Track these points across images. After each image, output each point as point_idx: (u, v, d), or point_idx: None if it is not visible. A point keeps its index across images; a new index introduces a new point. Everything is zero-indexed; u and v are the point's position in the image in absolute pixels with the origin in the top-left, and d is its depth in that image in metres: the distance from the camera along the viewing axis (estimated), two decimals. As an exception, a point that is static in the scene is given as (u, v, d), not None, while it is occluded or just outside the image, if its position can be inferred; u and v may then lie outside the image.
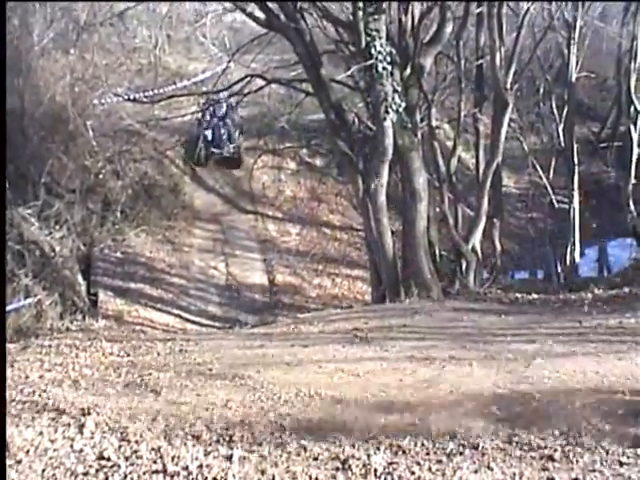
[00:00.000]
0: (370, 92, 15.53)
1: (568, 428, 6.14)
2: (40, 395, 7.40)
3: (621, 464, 5.46)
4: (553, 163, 23.91)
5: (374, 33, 14.56)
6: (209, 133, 25.28)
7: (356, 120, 17.11)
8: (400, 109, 15.07)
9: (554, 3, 21.79)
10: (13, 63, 22.91)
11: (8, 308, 17.49)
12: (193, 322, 19.88)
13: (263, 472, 5.60)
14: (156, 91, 25.13)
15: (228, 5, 20.76)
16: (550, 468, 5.45)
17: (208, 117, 25.41)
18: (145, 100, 23.81)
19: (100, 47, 25.68)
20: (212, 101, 23.98)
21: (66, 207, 20.65)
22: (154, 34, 28.33)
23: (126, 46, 28.24)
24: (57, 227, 20.06)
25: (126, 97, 23.29)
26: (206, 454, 5.92)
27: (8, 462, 5.81)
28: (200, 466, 5.69)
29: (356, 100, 20.62)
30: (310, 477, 5.47)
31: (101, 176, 22.96)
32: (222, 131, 25.29)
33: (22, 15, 24.04)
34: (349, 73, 16.79)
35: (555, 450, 5.71)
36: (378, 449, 5.92)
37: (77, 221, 20.65)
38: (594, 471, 5.39)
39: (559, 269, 22.76)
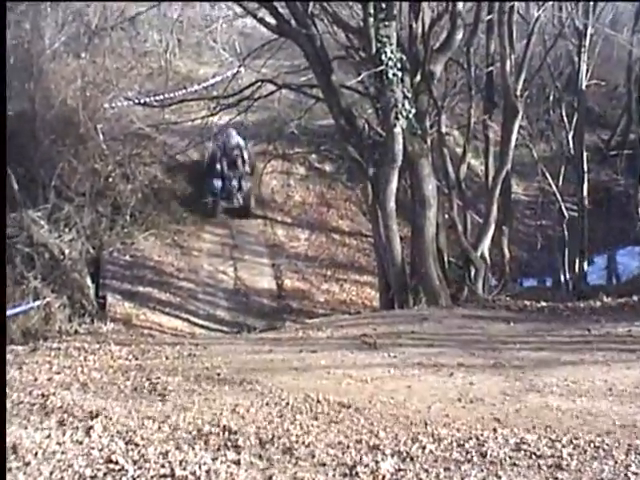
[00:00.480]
0: (380, 98, 15.54)
1: (577, 437, 6.13)
2: (48, 398, 7.42)
3: (630, 474, 5.45)
4: (562, 171, 23.83)
5: (384, 39, 14.58)
6: (218, 184, 23.85)
7: (366, 126, 17.12)
8: (410, 115, 15.08)
9: (564, 10, 21.77)
10: (24, 66, 22.99)
11: (17, 310, 17.55)
12: (201, 326, 19.88)
13: (270, 477, 5.60)
14: (166, 95, 25.13)
15: (239, 10, 20.78)
16: (559, 477, 5.44)
17: (219, 167, 23.90)
18: (155, 104, 23.85)
19: (111, 51, 25.75)
20: (220, 145, 23.91)
21: (76, 210, 20.68)
22: (165, 38, 28.39)
23: (137, 50, 28.30)
24: (66, 230, 20.09)
25: (136, 101, 23.32)
26: (214, 459, 5.93)
27: (16, 464, 5.84)
28: (208, 471, 5.70)
29: (366, 106, 20.64)
30: (318, 483, 5.48)
31: (111, 179, 23.01)
32: (233, 183, 23.88)
33: (33, 18, 24.12)
34: (359, 79, 16.82)
35: (564, 459, 5.70)
36: (385, 455, 5.92)
37: (86, 224, 20.68)
38: (602, 480, 5.39)
39: (568, 277, 22.68)
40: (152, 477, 5.63)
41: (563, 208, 22.73)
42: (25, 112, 22.34)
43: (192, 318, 20.44)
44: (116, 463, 5.85)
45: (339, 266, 23.54)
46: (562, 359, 9.05)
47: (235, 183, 23.91)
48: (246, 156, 24.45)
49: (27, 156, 21.38)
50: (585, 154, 23.21)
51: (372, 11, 14.82)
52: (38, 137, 21.79)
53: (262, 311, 20.86)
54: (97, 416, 6.85)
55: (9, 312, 17.23)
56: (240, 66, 21.28)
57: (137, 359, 9.72)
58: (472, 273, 17.70)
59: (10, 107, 22.55)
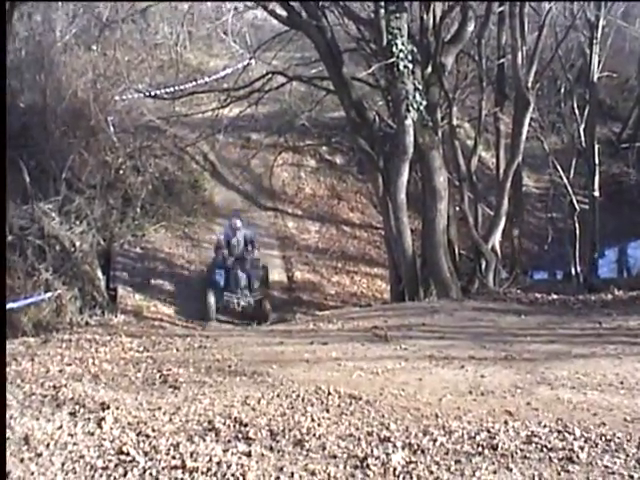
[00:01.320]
0: (391, 90, 15.53)
1: (589, 430, 6.12)
2: (60, 389, 7.45)
3: (641, 467, 5.45)
4: (574, 163, 23.72)
5: (395, 31, 14.57)
6: (220, 278, 19.21)
7: (377, 118, 17.11)
8: (421, 108, 15.07)
9: (576, 3, 21.69)
10: (35, 59, 23.06)
11: (28, 301, 17.61)
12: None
13: (281, 469, 5.61)
14: (177, 87, 25.14)
15: (250, 2, 20.80)
16: (570, 470, 5.43)
17: (221, 258, 19.43)
18: (166, 96, 23.85)
19: (122, 44, 25.73)
20: (226, 236, 19.91)
21: (86, 202, 20.72)
22: (175, 31, 28.40)
23: (147, 43, 28.30)
24: (77, 222, 20.11)
25: (147, 93, 23.33)
26: (225, 451, 5.94)
27: (28, 455, 5.88)
28: (219, 462, 5.71)
29: (377, 98, 20.61)
30: (329, 475, 5.48)
31: (121, 172, 23.02)
32: (239, 274, 19.11)
33: (45, 11, 24.17)
34: (370, 71, 16.81)
35: (575, 452, 5.70)
36: (396, 448, 5.93)
37: (97, 216, 20.71)
38: (614, 473, 5.37)
39: (579, 270, 22.61)
40: (163, 468, 5.65)
41: (574, 201, 22.64)
42: (36, 104, 22.40)
43: (203, 310, 20.45)
44: (127, 454, 5.88)
45: (350, 258, 23.52)
46: (573, 352, 9.03)
47: (243, 277, 19.26)
48: (255, 253, 20.12)
49: (38, 148, 21.44)
50: (596, 147, 23.13)
51: (383, 3, 14.81)
52: (49, 129, 21.83)
53: (272, 303, 20.84)
54: (108, 407, 6.88)
55: (21, 303, 17.32)
56: (251, 58, 21.30)
57: (148, 351, 9.75)
58: (483, 265, 17.68)
59: (22, 99, 22.69)
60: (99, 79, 23.69)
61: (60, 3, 24.02)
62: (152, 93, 23.51)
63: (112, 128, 23.06)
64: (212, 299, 18.90)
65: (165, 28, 29.11)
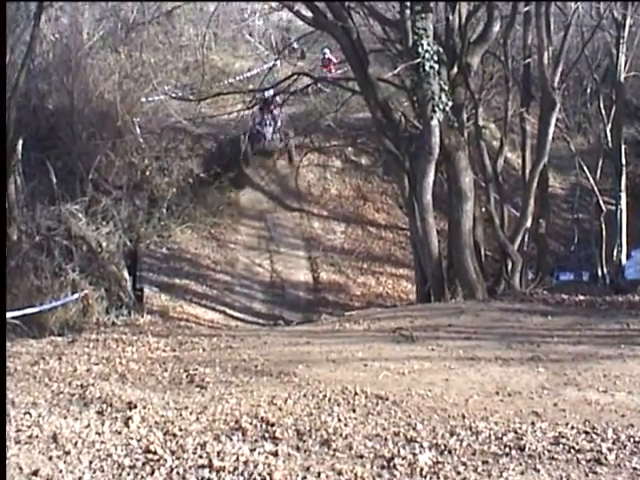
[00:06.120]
0: (417, 91, 15.48)
1: (617, 431, 6.09)
2: (87, 388, 7.50)
3: (670, 469, 5.41)
4: (600, 164, 23.61)
5: (421, 32, 14.53)
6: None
7: (402, 119, 17.08)
8: (447, 108, 15.01)
9: (603, 2, 21.54)
10: (63, 61, 23.24)
11: (57, 303, 17.76)
12: (237, 319, 19.99)
13: (308, 469, 5.61)
14: (202, 89, 25.24)
15: (275, 4, 20.83)
16: (598, 471, 5.39)
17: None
18: (192, 98, 23.93)
19: (148, 45, 25.89)
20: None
21: (113, 203, 20.86)
22: (201, 32, 28.46)
23: (173, 44, 28.47)
24: (104, 223, 20.26)
25: (173, 95, 23.43)
26: (251, 450, 5.95)
27: (57, 453, 5.92)
28: (245, 462, 5.72)
29: (402, 99, 20.59)
30: (355, 475, 5.47)
31: (148, 173, 23.16)
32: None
33: (72, 14, 24.35)
34: (396, 72, 16.77)
35: (603, 453, 5.66)
36: (423, 448, 5.91)
37: (124, 217, 20.85)
38: (642, 475, 5.34)
39: (605, 271, 22.48)
40: (190, 467, 5.67)
41: (601, 202, 22.52)
42: (64, 106, 22.59)
43: (228, 310, 20.55)
44: (154, 453, 5.90)
45: (375, 259, 23.53)
46: (600, 353, 8.97)
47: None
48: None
49: (65, 150, 21.61)
50: (623, 147, 22.98)
51: (409, 3, 14.79)
52: (76, 131, 22.01)
53: (298, 304, 20.93)
54: (135, 407, 6.91)
55: (49, 306, 17.47)
56: (276, 59, 21.33)
57: (174, 350, 9.78)
58: (509, 266, 17.62)
59: (49, 101, 22.88)
60: (125, 81, 23.86)
61: (87, 5, 24.15)
62: (178, 94, 23.61)
63: (138, 129, 23.20)
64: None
65: (190, 30, 29.25)
